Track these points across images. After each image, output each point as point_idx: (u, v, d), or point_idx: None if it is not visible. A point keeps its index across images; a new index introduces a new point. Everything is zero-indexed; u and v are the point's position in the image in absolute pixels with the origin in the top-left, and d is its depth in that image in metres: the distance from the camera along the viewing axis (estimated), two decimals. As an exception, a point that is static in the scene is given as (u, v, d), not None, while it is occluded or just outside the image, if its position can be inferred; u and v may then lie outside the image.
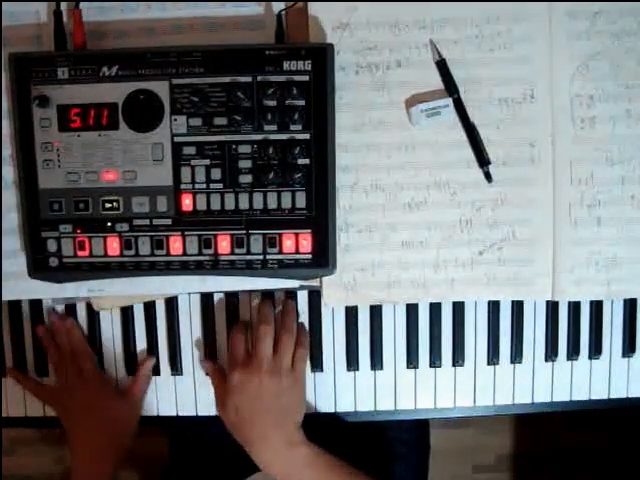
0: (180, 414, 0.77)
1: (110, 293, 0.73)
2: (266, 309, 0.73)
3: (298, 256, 0.69)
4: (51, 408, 0.76)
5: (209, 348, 0.76)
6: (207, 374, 0.76)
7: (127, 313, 0.76)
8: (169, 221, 0.68)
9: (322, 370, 0.77)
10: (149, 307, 0.76)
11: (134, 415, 0.75)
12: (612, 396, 0.77)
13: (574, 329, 0.76)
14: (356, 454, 0.74)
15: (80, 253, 0.68)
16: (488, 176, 0.71)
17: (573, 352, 0.76)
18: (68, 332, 0.75)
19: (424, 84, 0.70)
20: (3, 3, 0.70)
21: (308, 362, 0.75)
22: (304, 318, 0.76)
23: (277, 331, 0.72)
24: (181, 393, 0.77)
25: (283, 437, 0.69)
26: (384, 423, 0.81)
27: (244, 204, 0.68)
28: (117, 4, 0.70)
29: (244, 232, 0.68)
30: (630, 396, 0.77)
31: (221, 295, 0.76)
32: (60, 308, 0.76)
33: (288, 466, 0.69)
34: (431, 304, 0.76)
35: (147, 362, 0.76)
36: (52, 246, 0.68)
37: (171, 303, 0.76)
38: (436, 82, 0.70)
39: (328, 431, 0.74)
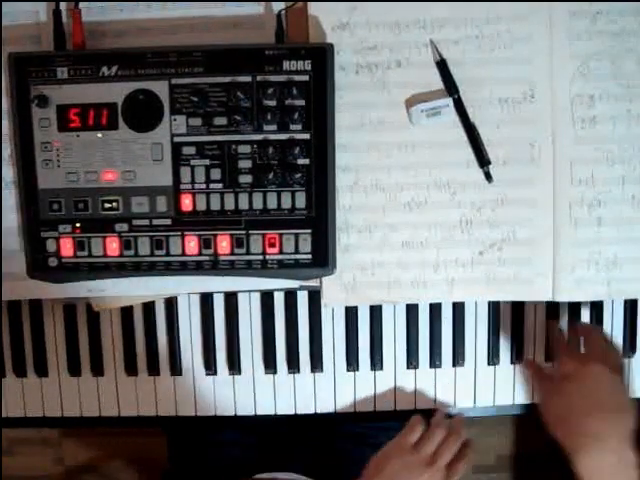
0: (180, 414, 0.77)
1: (110, 293, 0.73)
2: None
3: (298, 256, 0.69)
4: None
5: (209, 348, 0.76)
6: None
7: (127, 313, 0.76)
8: (169, 221, 0.68)
9: (322, 370, 0.76)
10: (149, 307, 0.76)
11: None
12: (612, 396, 0.77)
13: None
14: (356, 454, 0.74)
15: (80, 253, 0.68)
16: (488, 176, 0.71)
17: (573, 352, 0.76)
18: None
19: (424, 84, 0.70)
20: (3, 3, 0.70)
21: (308, 362, 0.75)
22: (304, 318, 0.76)
23: None
24: (181, 393, 0.77)
25: (618, 436, 0.61)
26: (384, 423, 0.81)
27: (244, 204, 0.68)
28: (117, 4, 0.70)
29: (244, 232, 0.68)
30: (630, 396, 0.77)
31: (221, 295, 0.76)
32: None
33: (610, 473, 0.61)
34: (431, 304, 0.76)
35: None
36: (52, 246, 0.68)
37: (171, 303, 0.76)
38: (436, 82, 0.70)
39: (328, 431, 0.74)
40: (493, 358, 0.76)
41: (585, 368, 0.65)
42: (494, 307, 0.76)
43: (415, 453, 0.68)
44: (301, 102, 0.66)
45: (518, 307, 0.76)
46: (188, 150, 0.67)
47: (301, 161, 0.67)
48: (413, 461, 0.67)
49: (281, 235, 0.68)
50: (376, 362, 0.76)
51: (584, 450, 0.61)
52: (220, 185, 0.68)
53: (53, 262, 0.69)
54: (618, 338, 0.76)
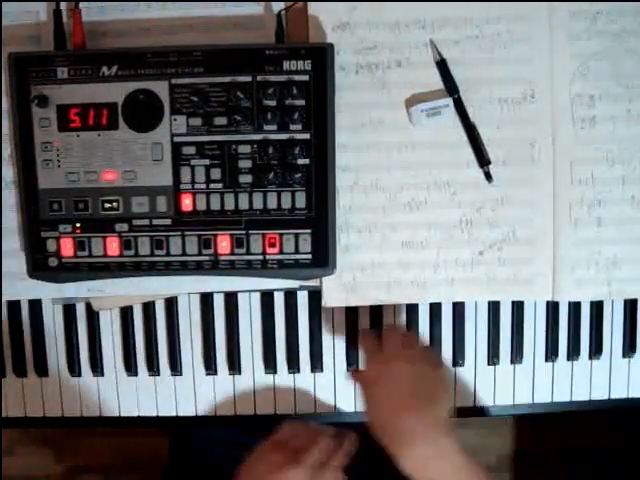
0: (180, 414, 0.77)
1: (110, 293, 0.73)
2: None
3: (298, 256, 0.69)
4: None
5: (209, 348, 0.76)
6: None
7: (127, 313, 0.76)
8: (169, 221, 0.68)
9: (322, 370, 0.77)
10: (149, 307, 0.76)
11: None
12: (612, 396, 0.77)
13: (574, 329, 0.76)
14: (356, 454, 0.73)
15: (80, 253, 0.68)
16: (488, 176, 0.71)
17: (573, 352, 0.76)
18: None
19: (424, 84, 0.70)
20: (3, 3, 0.70)
21: (308, 362, 0.75)
22: (304, 318, 0.76)
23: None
24: (181, 393, 0.77)
25: (431, 427, 0.62)
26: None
27: (244, 204, 0.68)
28: (117, 4, 0.70)
29: (244, 232, 0.68)
30: (630, 396, 0.77)
31: (221, 295, 0.76)
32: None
33: (433, 464, 0.62)
34: (431, 304, 0.76)
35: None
36: (52, 246, 0.68)
37: (171, 303, 0.76)
38: (436, 82, 0.70)
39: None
40: (493, 358, 0.76)
41: (385, 368, 0.65)
42: (494, 307, 0.76)
43: (281, 452, 0.66)
44: (301, 102, 0.66)
45: (518, 307, 0.76)
46: (188, 150, 0.67)
47: (301, 161, 0.67)
48: (278, 459, 0.65)
49: (281, 235, 0.68)
50: (376, 362, 0.76)
51: (400, 449, 0.61)
52: (220, 185, 0.68)
53: (53, 262, 0.69)
54: (618, 338, 0.77)
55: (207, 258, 0.68)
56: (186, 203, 0.68)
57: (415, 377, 0.64)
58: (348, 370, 0.76)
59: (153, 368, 0.77)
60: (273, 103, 0.66)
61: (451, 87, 0.69)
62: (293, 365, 0.76)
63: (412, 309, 0.76)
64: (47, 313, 0.76)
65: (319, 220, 0.68)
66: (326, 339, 0.76)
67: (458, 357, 0.76)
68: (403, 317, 0.76)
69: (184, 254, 0.68)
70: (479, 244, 0.72)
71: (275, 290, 0.75)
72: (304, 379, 0.77)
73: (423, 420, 0.62)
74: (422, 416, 0.62)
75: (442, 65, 0.69)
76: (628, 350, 0.77)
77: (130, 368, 0.77)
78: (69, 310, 0.76)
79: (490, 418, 0.79)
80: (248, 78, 0.66)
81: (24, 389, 0.77)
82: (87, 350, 0.77)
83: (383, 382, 0.65)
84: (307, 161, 0.67)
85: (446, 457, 0.62)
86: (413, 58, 0.70)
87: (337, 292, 0.73)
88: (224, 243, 0.68)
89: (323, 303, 0.74)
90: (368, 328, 0.75)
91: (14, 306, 0.76)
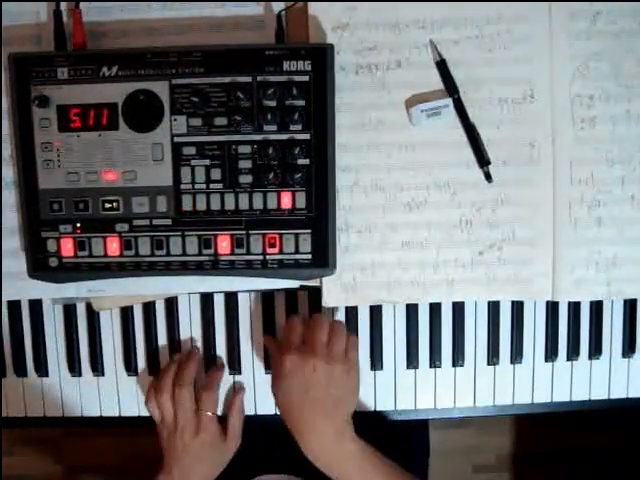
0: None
1: (110, 293, 0.73)
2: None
3: (298, 256, 0.69)
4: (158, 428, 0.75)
5: (209, 348, 0.76)
6: (267, 372, 0.77)
7: (127, 313, 0.76)
8: (169, 221, 0.68)
9: (322, 370, 0.76)
10: (149, 307, 0.76)
11: (225, 462, 0.76)
12: (612, 396, 0.77)
13: (574, 329, 0.76)
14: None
15: (80, 253, 0.68)
16: (488, 176, 0.71)
17: (573, 352, 0.76)
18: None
19: (424, 84, 0.70)
20: (3, 3, 0.70)
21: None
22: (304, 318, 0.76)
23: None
24: (181, 393, 0.77)
25: (332, 429, 0.68)
26: (384, 423, 0.80)
27: (244, 204, 0.68)
28: (117, 4, 0.70)
29: (244, 232, 0.68)
30: (630, 396, 0.77)
31: (221, 295, 0.76)
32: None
33: (334, 459, 0.68)
34: (431, 304, 0.76)
35: (237, 398, 0.76)
36: (52, 246, 0.68)
37: (171, 303, 0.76)
38: (436, 82, 0.70)
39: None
40: (493, 358, 0.76)
41: (303, 366, 0.67)
42: (494, 307, 0.76)
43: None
44: (301, 102, 0.66)
45: (518, 307, 0.76)
46: (188, 150, 0.67)
47: (301, 161, 0.67)
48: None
49: (281, 235, 0.68)
50: (376, 362, 0.76)
51: (304, 436, 0.68)
52: (220, 185, 0.68)
53: (53, 262, 0.69)
54: (618, 338, 0.77)
55: (207, 258, 0.69)
56: (186, 203, 0.68)
57: (328, 382, 0.68)
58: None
59: (153, 368, 0.77)
60: (273, 103, 0.66)
61: (451, 87, 0.69)
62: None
63: (412, 309, 0.76)
64: (47, 313, 0.76)
65: (319, 220, 0.68)
66: (326, 339, 0.76)
67: (458, 357, 0.76)
68: (403, 317, 0.76)
69: (184, 254, 0.68)
70: (479, 244, 0.72)
71: (275, 290, 0.75)
72: (304, 379, 0.77)
73: (328, 418, 0.68)
74: (328, 415, 0.68)
75: (442, 65, 0.69)
76: (628, 350, 0.77)
77: (130, 368, 0.77)
78: (69, 310, 0.76)
79: (490, 418, 0.79)
80: (248, 78, 0.66)
81: (24, 389, 0.77)
82: (87, 350, 0.77)
83: (297, 377, 0.68)
84: (307, 161, 0.67)
85: (342, 445, 0.68)
86: (413, 58, 0.70)
87: (337, 292, 0.73)
88: (224, 243, 0.68)
89: (323, 303, 0.74)
90: (297, 317, 0.74)
91: (14, 306, 0.76)
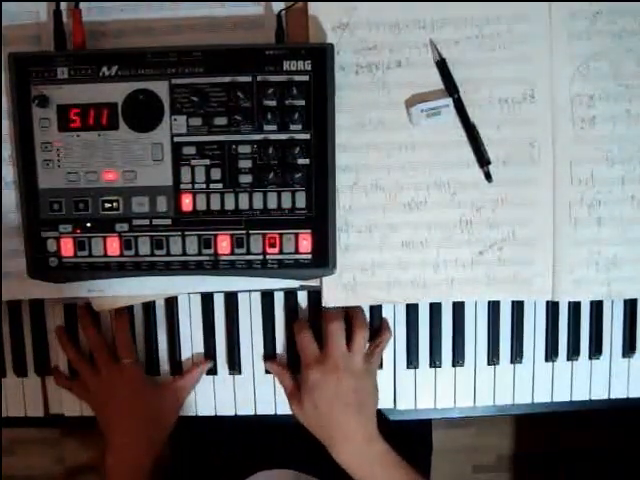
0: (181, 414, 0.77)
1: (110, 293, 0.73)
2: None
3: (298, 256, 0.69)
4: (86, 403, 0.75)
5: (209, 348, 0.76)
6: (267, 372, 0.76)
7: (127, 313, 0.76)
8: (169, 221, 0.68)
9: (322, 370, 0.76)
10: (149, 307, 0.76)
11: (174, 409, 0.75)
12: (612, 396, 0.77)
13: (574, 329, 0.76)
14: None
15: (80, 253, 0.68)
16: (488, 176, 0.71)
17: (573, 352, 0.76)
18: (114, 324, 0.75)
19: (424, 84, 0.70)
20: (3, 3, 0.70)
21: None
22: (304, 318, 0.76)
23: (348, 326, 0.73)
24: (181, 393, 0.77)
25: (362, 430, 0.70)
26: (384, 423, 0.81)
27: (244, 204, 0.68)
28: (117, 4, 0.70)
29: (244, 232, 0.68)
30: (630, 396, 0.77)
31: (221, 295, 0.76)
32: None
33: (364, 461, 0.70)
34: (431, 304, 0.76)
35: (204, 364, 0.76)
36: (52, 246, 0.68)
37: (171, 303, 0.76)
38: (436, 82, 0.70)
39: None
40: (493, 358, 0.76)
41: (330, 378, 0.70)
42: (494, 307, 0.76)
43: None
44: (301, 102, 0.66)
45: (518, 307, 0.76)
46: (188, 150, 0.67)
47: (301, 161, 0.67)
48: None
49: (281, 235, 0.68)
50: (376, 362, 0.76)
51: (337, 446, 0.70)
52: (220, 185, 0.68)
53: (53, 262, 0.69)
54: (618, 338, 0.77)
55: (207, 258, 0.68)
56: (186, 203, 0.68)
57: (356, 390, 0.70)
58: (267, 362, 0.76)
59: (153, 368, 0.77)
60: (273, 103, 0.66)
61: (451, 87, 0.69)
62: (293, 365, 0.76)
63: (412, 309, 0.76)
64: (47, 313, 0.76)
65: (319, 220, 0.68)
66: (326, 339, 0.76)
67: (458, 357, 0.76)
68: (403, 317, 0.76)
69: (184, 254, 0.68)
70: (479, 244, 0.72)
71: (275, 290, 0.75)
72: (304, 379, 0.77)
73: (358, 423, 0.70)
74: (357, 420, 0.70)
75: (442, 65, 0.69)
76: (628, 350, 0.77)
77: (130, 368, 0.77)
78: (69, 310, 0.76)
79: (490, 418, 0.79)
80: (248, 78, 0.66)
81: (24, 389, 0.77)
82: (87, 350, 0.77)
83: (327, 389, 0.70)
84: (307, 161, 0.67)
85: (375, 452, 0.70)
86: (413, 58, 0.70)
87: (337, 292, 0.73)
88: (224, 243, 0.68)
89: (323, 303, 0.74)
90: (304, 319, 0.76)
91: (15, 306, 0.76)
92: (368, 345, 0.74)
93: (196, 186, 0.68)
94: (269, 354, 0.76)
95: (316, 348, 0.72)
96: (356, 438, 0.69)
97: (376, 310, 0.76)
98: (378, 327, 0.75)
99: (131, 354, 0.74)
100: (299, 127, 0.67)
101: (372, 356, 0.73)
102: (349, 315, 0.73)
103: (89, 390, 0.74)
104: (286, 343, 0.76)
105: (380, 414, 0.76)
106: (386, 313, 0.76)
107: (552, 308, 0.76)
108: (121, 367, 0.73)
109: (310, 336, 0.72)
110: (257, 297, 0.76)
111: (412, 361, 0.76)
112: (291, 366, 0.76)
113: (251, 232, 0.68)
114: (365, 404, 0.71)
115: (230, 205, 0.68)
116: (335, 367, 0.69)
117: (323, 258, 0.69)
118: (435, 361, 0.76)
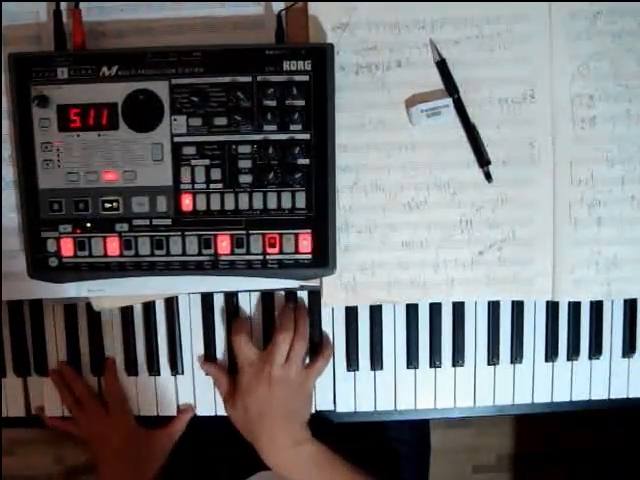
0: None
1: (110, 293, 0.73)
2: (287, 317, 0.73)
3: (298, 256, 0.69)
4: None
5: (209, 348, 0.76)
6: (207, 374, 0.76)
7: (127, 313, 0.76)
8: (169, 221, 0.68)
9: (322, 370, 0.77)
10: (149, 307, 0.76)
11: (161, 455, 0.77)
12: (612, 396, 0.77)
13: (574, 329, 0.76)
14: (357, 454, 0.74)
15: (80, 253, 0.68)
16: (488, 176, 0.71)
17: (573, 352, 0.76)
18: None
19: (424, 84, 0.70)
20: (3, 3, 0.70)
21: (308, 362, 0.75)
22: (244, 318, 0.76)
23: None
24: (181, 393, 0.77)
25: (290, 437, 0.71)
26: (384, 423, 0.81)
27: (244, 204, 0.68)
28: (117, 4, 0.70)
29: (244, 232, 0.68)
30: (630, 396, 0.77)
31: (221, 295, 0.76)
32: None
33: (295, 464, 0.71)
34: (431, 304, 0.76)
35: (189, 412, 0.77)
36: (52, 246, 0.68)
37: (171, 303, 0.76)
38: (436, 82, 0.70)
39: (329, 431, 0.74)
40: (493, 358, 0.76)
41: (264, 388, 0.70)
42: (494, 307, 0.76)
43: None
44: (301, 102, 0.66)
45: (518, 307, 0.76)
46: (188, 150, 0.67)
47: (301, 161, 0.67)
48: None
49: (281, 235, 0.68)
50: (376, 362, 0.76)
51: (264, 448, 0.71)
52: (220, 185, 0.68)
53: (53, 262, 0.69)
54: (618, 338, 0.77)
55: (207, 258, 0.69)
56: (186, 203, 0.68)
57: (287, 401, 0.71)
58: (202, 364, 0.76)
59: (153, 368, 0.77)
60: (273, 103, 0.66)
61: (451, 87, 0.69)
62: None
63: (412, 309, 0.76)
64: (47, 313, 0.76)
65: (319, 220, 0.68)
66: (326, 339, 0.76)
67: (458, 357, 0.76)
68: (403, 317, 0.76)
69: (184, 254, 0.68)
70: (479, 244, 0.72)
71: (275, 290, 0.75)
72: (304, 379, 0.77)
73: (285, 428, 0.71)
74: (284, 425, 0.71)
75: (442, 65, 0.69)
76: (628, 350, 0.77)
77: (130, 368, 0.77)
78: (69, 310, 0.76)
79: (490, 418, 0.79)
80: (248, 78, 0.66)
81: (24, 389, 0.77)
82: (87, 350, 0.77)
83: (258, 396, 0.71)
84: (307, 161, 0.67)
85: (306, 454, 0.71)
86: (413, 58, 0.70)
87: (337, 292, 0.73)
88: (224, 243, 0.68)
89: (323, 303, 0.74)
90: (244, 319, 0.76)
91: (14, 306, 0.76)
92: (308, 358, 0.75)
93: (196, 186, 0.68)
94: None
95: (252, 351, 0.72)
96: (283, 443, 0.70)
97: (376, 310, 0.76)
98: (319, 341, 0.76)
99: (122, 406, 0.76)
100: (299, 127, 0.67)
101: (310, 369, 0.73)
102: (295, 324, 0.73)
103: (83, 436, 0.77)
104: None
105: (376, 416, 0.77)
106: (386, 313, 0.76)
107: (552, 308, 0.76)
108: (112, 419, 0.75)
109: (247, 338, 0.72)
110: (257, 297, 0.76)
111: (412, 361, 0.76)
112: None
113: (251, 232, 0.68)
114: (295, 413, 0.72)
115: (230, 205, 0.68)
116: (268, 376, 0.70)
117: (323, 258, 0.69)
118: (435, 361, 0.76)
